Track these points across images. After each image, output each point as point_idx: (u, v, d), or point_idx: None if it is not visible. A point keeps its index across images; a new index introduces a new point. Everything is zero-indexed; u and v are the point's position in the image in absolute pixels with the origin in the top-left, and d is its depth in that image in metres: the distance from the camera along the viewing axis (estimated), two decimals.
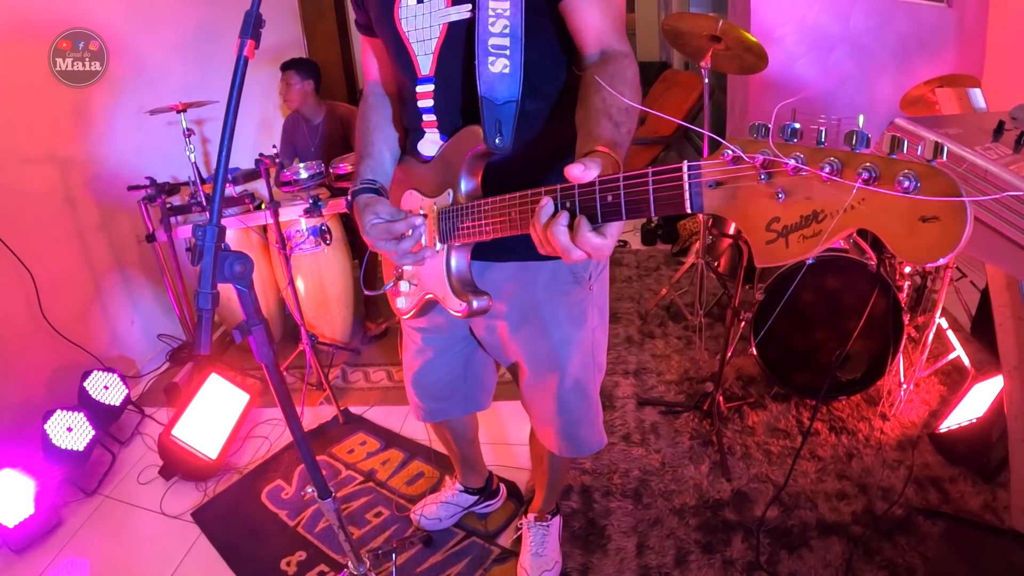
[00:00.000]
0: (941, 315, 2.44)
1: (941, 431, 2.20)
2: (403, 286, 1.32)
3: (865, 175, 0.57)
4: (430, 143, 1.25)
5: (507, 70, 1.10)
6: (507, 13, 1.08)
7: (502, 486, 2.16)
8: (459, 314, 1.17)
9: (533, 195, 0.92)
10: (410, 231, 1.19)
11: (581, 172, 0.81)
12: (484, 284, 1.26)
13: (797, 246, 0.63)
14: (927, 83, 2.68)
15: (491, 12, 1.08)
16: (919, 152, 0.56)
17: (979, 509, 1.95)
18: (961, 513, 1.95)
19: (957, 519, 1.92)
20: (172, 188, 2.79)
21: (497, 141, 1.10)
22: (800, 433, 2.32)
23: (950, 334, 2.51)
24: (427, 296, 1.27)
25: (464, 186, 1.14)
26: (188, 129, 2.67)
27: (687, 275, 3.26)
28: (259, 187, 2.80)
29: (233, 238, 2.93)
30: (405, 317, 1.38)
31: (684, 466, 2.21)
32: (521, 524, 1.95)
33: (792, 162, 0.61)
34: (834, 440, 2.28)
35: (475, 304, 1.15)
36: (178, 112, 2.67)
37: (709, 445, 2.30)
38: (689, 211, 0.72)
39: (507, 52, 1.09)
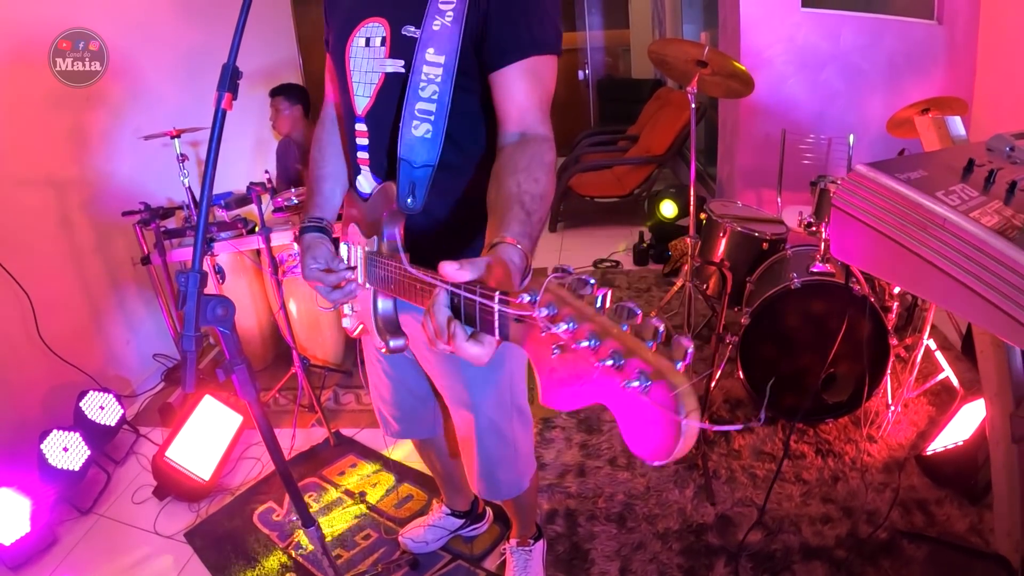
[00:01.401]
0: (930, 335, 2.46)
1: (928, 453, 2.22)
2: (346, 308, 1.38)
3: (610, 362, 0.55)
4: (364, 181, 1.29)
5: (429, 135, 1.13)
6: (438, 79, 1.11)
7: (488, 509, 2.18)
8: (380, 350, 1.24)
9: (429, 285, 0.88)
10: (341, 283, 1.26)
11: (455, 272, 0.75)
12: (410, 315, 1.30)
13: (567, 401, 0.62)
14: (913, 105, 2.71)
15: (423, 76, 1.11)
16: (682, 346, 0.53)
17: (965, 531, 1.96)
18: (946, 536, 1.95)
19: (941, 542, 1.93)
20: (166, 212, 2.82)
21: (409, 202, 1.15)
22: (786, 456, 2.33)
23: (938, 355, 2.53)
24: (360, 326, 1.32)
25: (385, 238, 1.17)
26: (182, 155, 2.70)
27: (676, 297, 3.28)
28: (252, 210, 2.84)
29: (226, 262, 2.97)
30: (353, 335, 1.42)
31: (669, 490, 2.22)
32: (504, 549, 1.97)
33: (561, 328, 0.59)
34: (820, 463, 2.29)
35: (391, 344, 1.20)
36: (172, 138, 2.69)
37: (694, 469, 2.31)
38: (496, 336, 0.72)
39: (432, 118, 1.12)
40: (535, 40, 1.10)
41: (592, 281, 0.62)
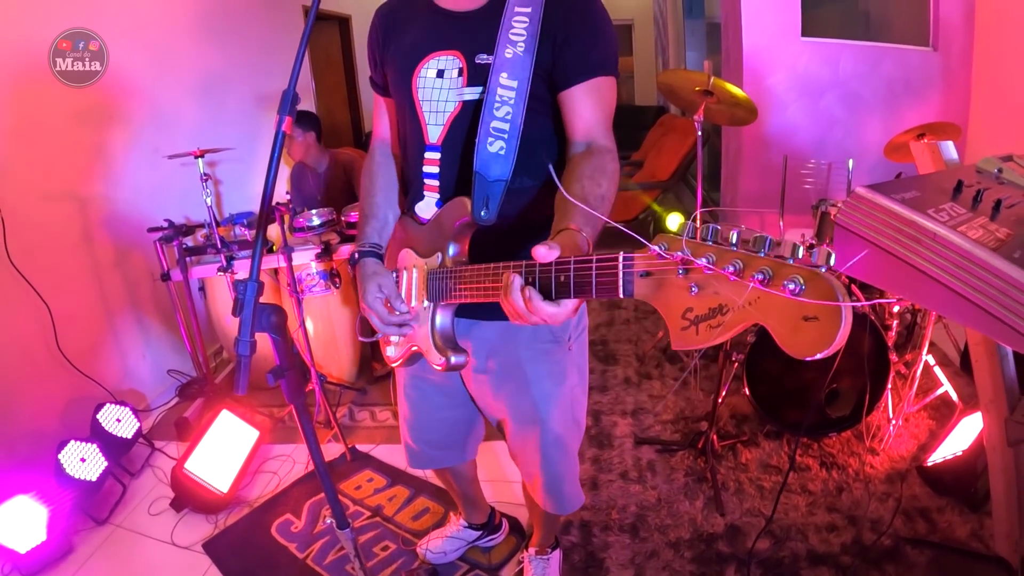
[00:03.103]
0: (929, 352, 2.53)
1: (929, 464, 2.28)
2: (392, 336, 1.42)
3: (760, 276, 0.64)
4: (427, 206, 1.36)
5: (503, 152, 1.22)
6: (511, 101, 1.21)
7: (504, 521, 2.22)
8: (439, 368, 1.26)
9: (503, 268, 1.01)
10: (401, 322, 1.32)
11: (546, 252, 0.89)
12: (472, 340, 1.37)
13: (705, 334, 0.71)
14: (909, 131, 2.79)
15: (498, 98, 1.21)
16: (813, 259, 0.63)
17: (966, 537, 2.02)
18: (948, 541, 2.01)
19: (944, 547, 1.99)
20: (188, 230, 2.90)
21: (483, 214, 1.22)
22: (792, 469, 2.39)
23: (937, 370, 2.59)
24: (413, 348, 1.36)
25: (452, 251, 1.24)
26: (205, 174, 2.77)
27: None
28: (272, 230, 2.91)
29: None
30: (394, 365, 1.47)
31: (679, 501, 2.28)
32: (523, 558, 2.02)
33: (703, 262, 0.70)
34: (824, 475, 2.35)
35: (453, 360, 1.24)
36: (196, 158, 2.77)
37: (704, 481, 2.37)
38: (621, 296, 0.81)
39: (505, 136, 1.21)
40: (599, 63, 1.24)
41: (717, 227, 0.71)
